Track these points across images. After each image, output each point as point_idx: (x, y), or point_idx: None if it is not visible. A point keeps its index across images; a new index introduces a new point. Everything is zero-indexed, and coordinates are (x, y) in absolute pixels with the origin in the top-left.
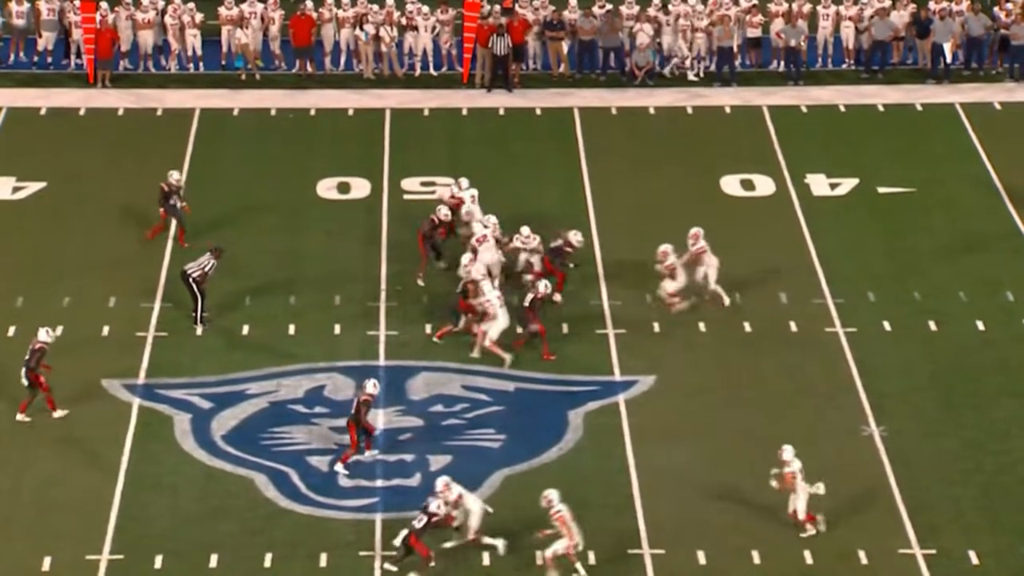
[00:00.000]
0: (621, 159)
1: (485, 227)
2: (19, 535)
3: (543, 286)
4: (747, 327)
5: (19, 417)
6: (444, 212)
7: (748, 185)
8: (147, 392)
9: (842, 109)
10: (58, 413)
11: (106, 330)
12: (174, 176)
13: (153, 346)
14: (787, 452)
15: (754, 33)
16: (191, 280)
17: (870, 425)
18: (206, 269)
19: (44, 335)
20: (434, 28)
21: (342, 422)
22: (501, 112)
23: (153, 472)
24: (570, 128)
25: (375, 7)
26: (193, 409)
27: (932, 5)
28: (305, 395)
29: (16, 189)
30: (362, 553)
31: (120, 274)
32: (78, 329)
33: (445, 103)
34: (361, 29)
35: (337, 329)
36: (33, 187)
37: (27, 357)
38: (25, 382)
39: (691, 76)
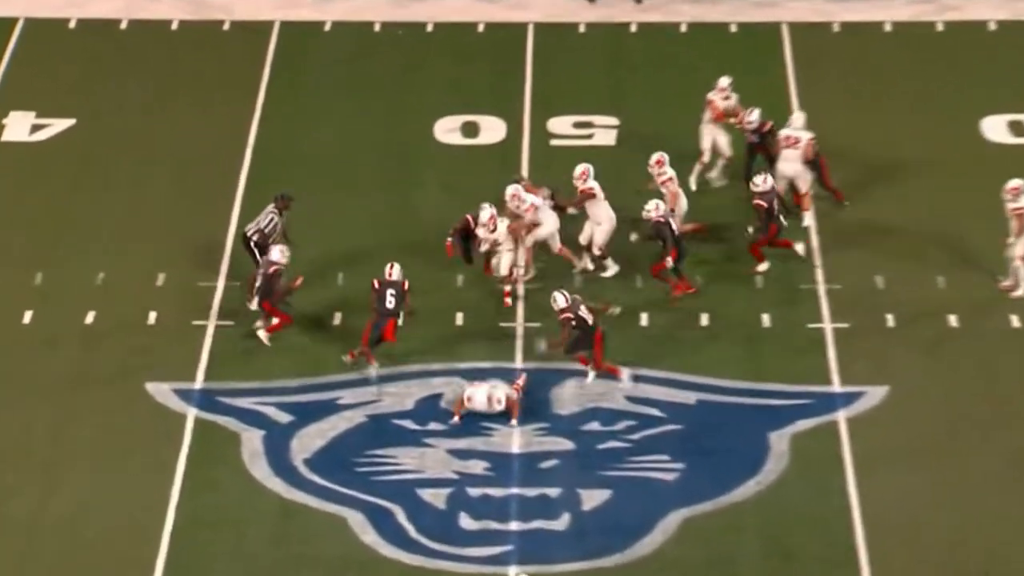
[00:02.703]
0: (844, 91)
1: None
2: None
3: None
4: (1014, 321)
5: (263, 335)
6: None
7: (1019, 129)
8: (206, 400)
9: None
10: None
11: (152, 317)
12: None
13: (215, 339)
14: None
15: None
16: (252, 245)
17: None
18: (263, 227)
19: (278, 255)
20: None
21: (463, 443)
22: (683, 29)
23: (214, 505)
24: (775, 50)
25: None
26: (267, 423)
27: None
28: (416, 406)
29: (36, 128)
30: None
31: (172, 242)
32: (115, 316)
33: (606, 17)
34: None
35: (459, 319)
36: (58, 125)
37: (258, 284)
38: (256, 305)
39: None
